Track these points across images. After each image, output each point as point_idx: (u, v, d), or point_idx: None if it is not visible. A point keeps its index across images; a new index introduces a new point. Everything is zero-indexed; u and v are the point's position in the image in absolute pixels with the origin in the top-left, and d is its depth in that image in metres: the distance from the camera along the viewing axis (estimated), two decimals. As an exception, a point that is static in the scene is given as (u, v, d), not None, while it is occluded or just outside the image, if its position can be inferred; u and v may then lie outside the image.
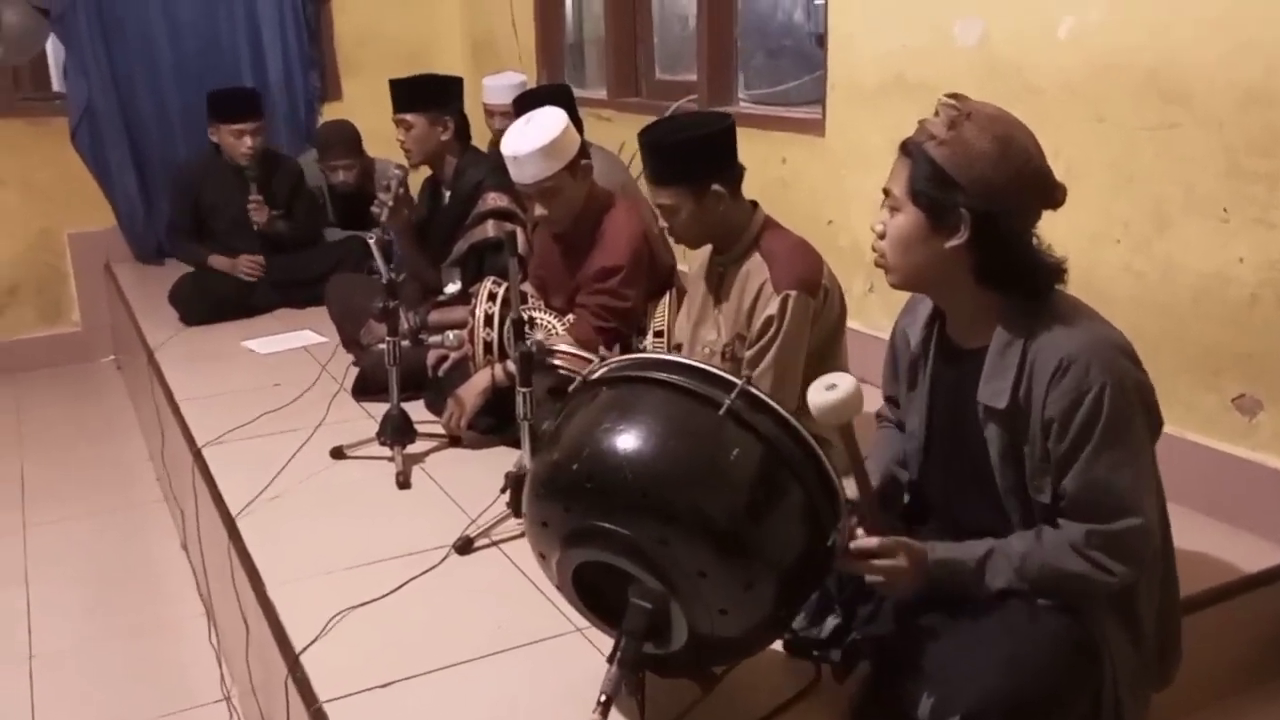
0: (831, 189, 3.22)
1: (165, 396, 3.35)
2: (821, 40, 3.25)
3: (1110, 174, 2.31)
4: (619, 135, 4.15)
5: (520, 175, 2.59)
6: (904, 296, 2.97)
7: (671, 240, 2.37)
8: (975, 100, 1.50)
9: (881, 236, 1.55)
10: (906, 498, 1.80)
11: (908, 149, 1.52)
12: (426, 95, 3.32)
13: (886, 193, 1.54)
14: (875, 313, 3.12)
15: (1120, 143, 2.31)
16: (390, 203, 2.88)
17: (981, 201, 1.45)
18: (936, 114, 1.50)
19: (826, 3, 3.13)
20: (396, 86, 3.33)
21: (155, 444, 3.80)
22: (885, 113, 2.97)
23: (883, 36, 2.94)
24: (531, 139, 2.54)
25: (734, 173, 2.18)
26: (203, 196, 4.30)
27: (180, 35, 4.94)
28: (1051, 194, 1.49)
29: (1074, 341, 1.46)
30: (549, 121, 2.58)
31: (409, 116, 3.29)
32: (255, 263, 4.17)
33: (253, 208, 4.14)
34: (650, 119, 4.01)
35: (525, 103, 3.28)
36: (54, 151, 4.86)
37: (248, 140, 4.14)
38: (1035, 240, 1.51)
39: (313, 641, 1.89)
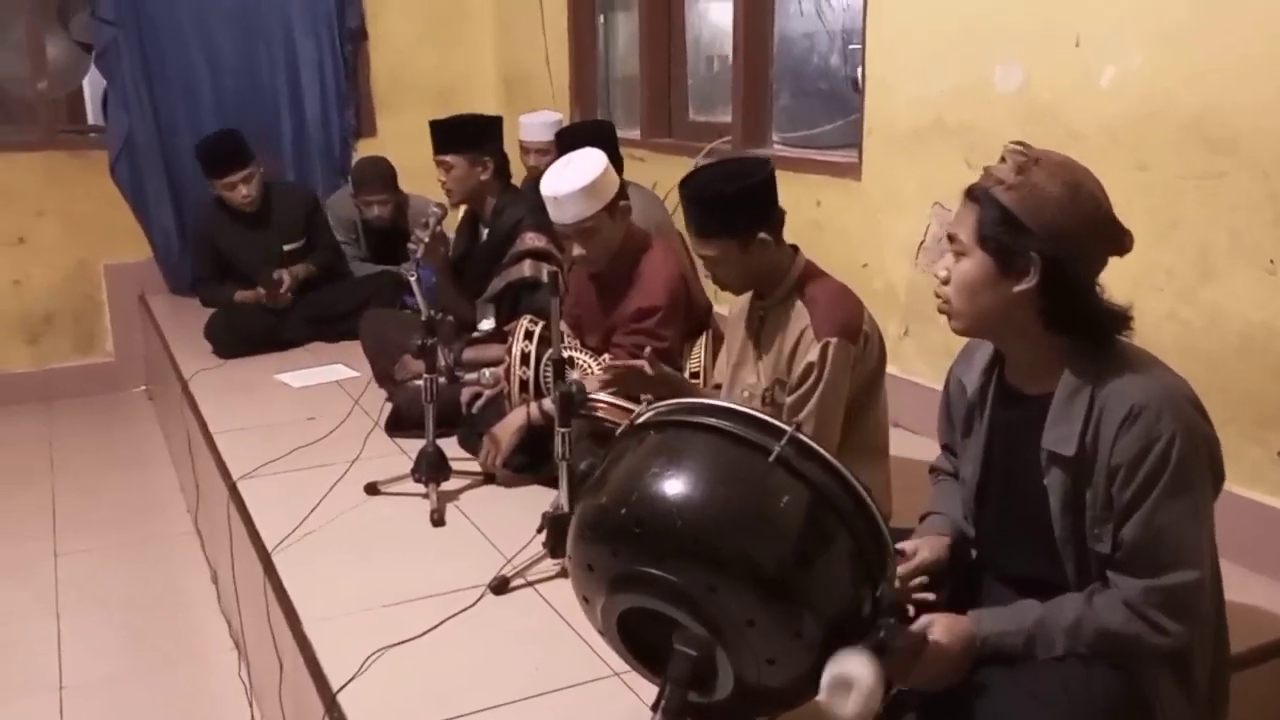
0: (867, 232, 3.23)
1: (200, 428, 3.36)
2: (857, 84, 3.28)
3: (1153, 221, 2.30)
4: (652, 175, 4.18)
5: (559, 216, 2.61)
6: (940, 341, 3.01)
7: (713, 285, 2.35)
8: (1040, 147, 1.51)
9: (946, 282, 1.55)
10: (975, 553, 1.78)
11: (974, 194, 1.52)
12: (466, 136, 3.33)
13: (951, 238, 1.54)
14: (910, 357, 3.11)
15: (1163, 190, 2.31)
16: (426, 240, 2.90)
17: (1052, 246, 1.45)
18: (1003, 160, 1.50)
19: (864, 47, 3.15)
20: (437, 128, 3.35)
21: (186, 475, 3.82)
22: (922, 157, 2.98)
23: (921, 81, 2.95)
24: (571, 180, 2.56)
25: (776, 219, 2.18)
26: (219, 244, 4.34)
27: (220, 74, 5.03)
28: (1120, 240, 1.49)
29: (1145, 390, 1.45)
30: (589, 163, 2.59)
31: (449, 158, 3.30)
32: (276, 285, 4.19)
33: (275, 288, 4.18)
34: (683, 160, 4.08)
35: (567, 139, 3.31)
36: (93, 183, 4.95)
37: (242, 190, 4.16)
38: (1100, 288, 1.51)
39: (350, 680, 1.88)
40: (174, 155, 4.96)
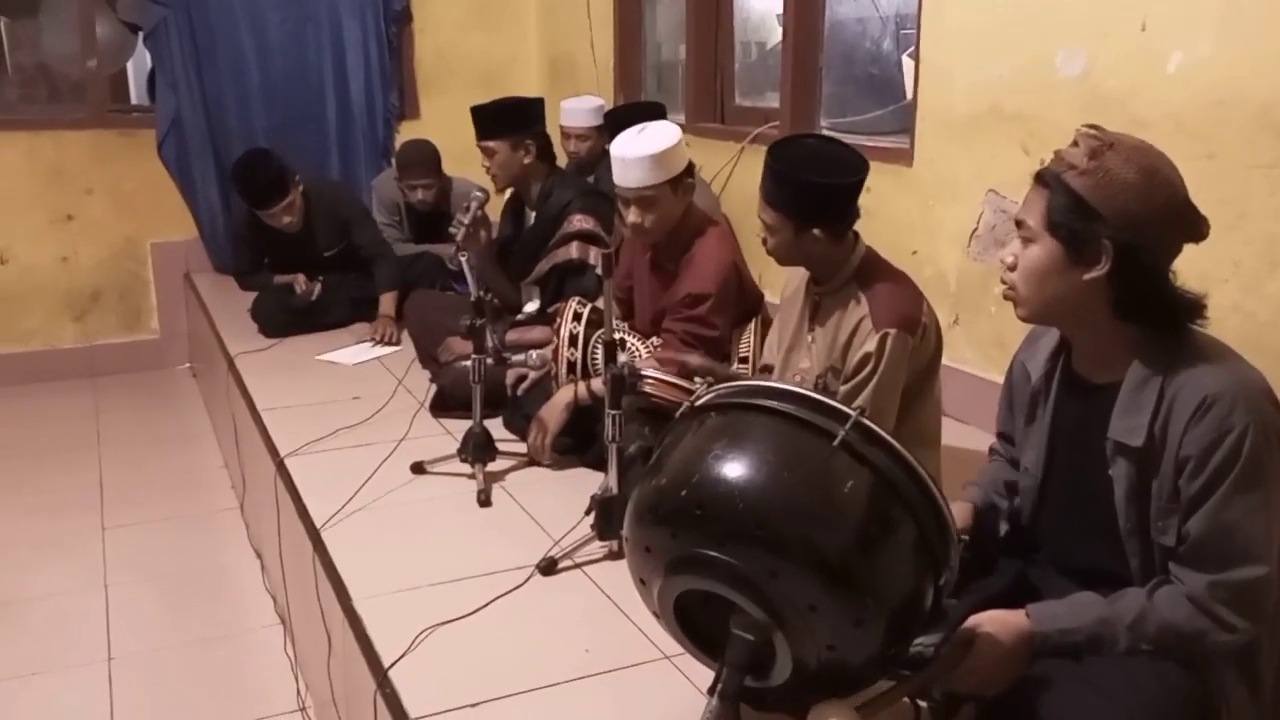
0: (918, 219, 3.19)
1: (246, 406, 3.39)
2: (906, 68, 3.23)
3: (1220, 212, 2.23)
4: (698, 160, 4.14)
5: (623, 178, 2.60)
6: (990, 330, 2.97)
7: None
8: (1114, 131, 1.47)
9: (1012, 268, 1.52)
10: (1006, 527, 1.76)
11: (1044, 179, 1.49)
12: (508, 121, 3.32)
13: (1019, 223, 1.51)
14: (961, 346, 3.07)
15: (1231, 180, 2.26)
16: (467, 224, 2.88)
17: (1125, 233, 1.42)
18: (1075, 144, 1.46)
19: (919, 31, 3.11)
20: (478, 114, 3.34)
21: (230, 452, 3.85)
22: (978, 143, 2.94)
23: (977, 66, 2.90)
24: (642, 145, 2.56)
25: (847, 220, 2.16)
26: (260, 246, 4.37)
27: (268, 55, 5.05)
28: (1197, 227, 1.46)
29: (1218, 380, 1.42)
30: (662, 133, 2.59)
31: (492, 143, 3.30)
32: (304, 280, 4.21)
33: (300, 291, 4.18)
34: (730, 145, 4.06)
35: (616, 119, 3.30)
36: (140, 162, 5.00)
37: (284, 218, 4.14)
38: (1172, 276, 1.47)
39: (401, 657, 1.88)
40: (221, 135, 4.99)
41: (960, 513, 1.72)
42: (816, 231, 2.11)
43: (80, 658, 2.81)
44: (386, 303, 4.16)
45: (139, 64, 5.60)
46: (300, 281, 4.19)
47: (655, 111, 3.26)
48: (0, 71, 5.43)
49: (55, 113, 5.19)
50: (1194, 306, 1.48)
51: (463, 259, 2.69)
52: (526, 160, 3.32)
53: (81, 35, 4.95)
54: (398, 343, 3.95)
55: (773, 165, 2.13)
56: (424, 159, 4.36)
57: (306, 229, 4.25)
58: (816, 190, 2.10)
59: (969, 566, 1.62)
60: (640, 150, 2.55)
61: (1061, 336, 1.61)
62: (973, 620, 1.53)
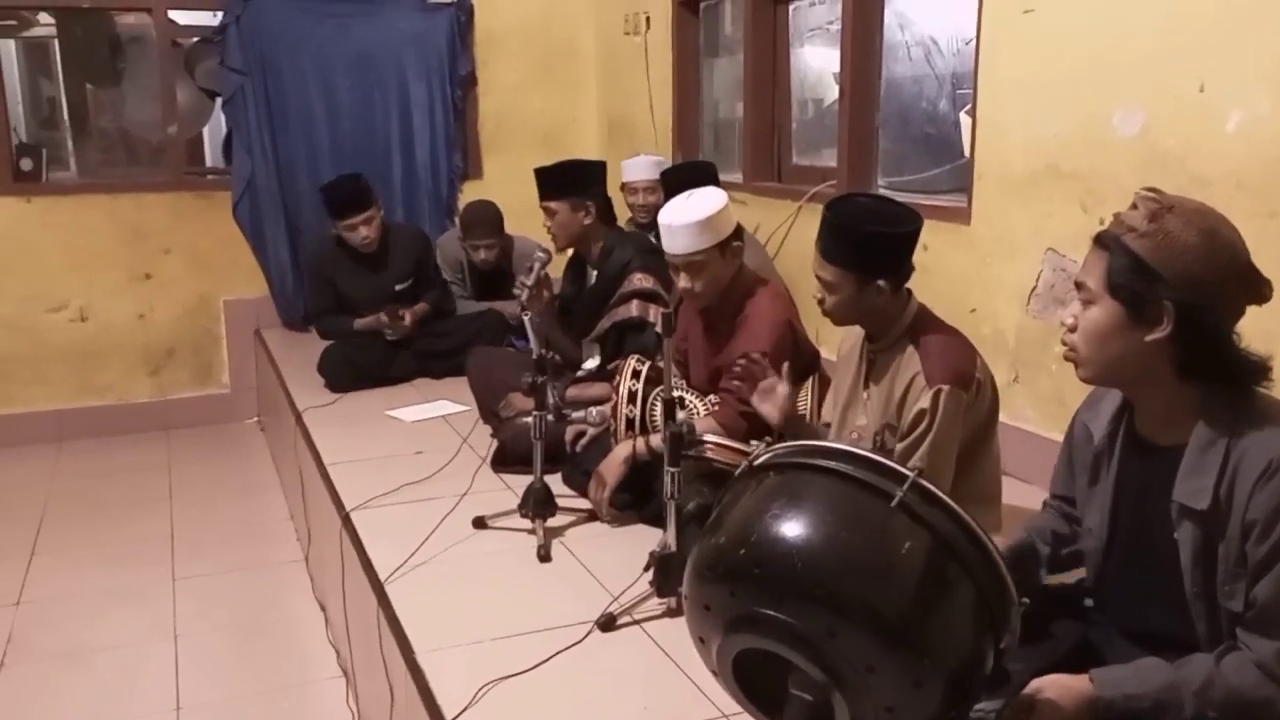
0: (975, 277, 3.19)
1: (313, 459, 3.47)
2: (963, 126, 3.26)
3: (1284, 270, 2.23)
4: (755, 219, 4.21)
5: (671, 245, 2.66)
6: (1050, 388, 2.95)
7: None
8: (1173, 194, 1.48)
9: (1073, 330, 1.53)
10: (1048, 572, 1.75)
11: (1104, 241, 1.50)
12: (569, 182, 3.40)
13: (1079, 285, 1.52)
14: (1020, 403, 3.05)
15: (1294, 238, 2.24)
16: (530, 285, 2.94)
17: (1188, 295, 1.43)
18: (1134, 206, 1.48)
19: (975, 90, 3.13)
20: (541, 175, 3.43)
21: (296, 504, 3.94)
22: (1035, 201, 2.94)
23: (1035, 125, 2.92)
24: (688, 212, 2.61)
25: (904, 272, 2.18)
26: (334, 280, 4.46)
27: (337, 118, 5.24)
28: (1259, 289, 1.46)
29: None
30: (708, 199, 2.65)
31: (553, 204, 3.38)
32: (400, 315, 4.29)
33: (395, 326, 4.29)
34: (787, 204, 4.10)
35: (671, 178, 3.37)
36: (215, 222, 5.19)
37: (363, 231, 4.28)
38: (1236, 337, 1.47)
39: (463, 711, 1.91)
40: (292, 196, 5.17)
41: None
42: (881, 283, 2.14)
43: (149, 707, 2.88)
44: (420, 307, 4.35)
45: (213, 128, 5.84)
46: (385, 318, 4.29)
47: (708, 171, 3.32)
48: (84, 136, 5.69)
49: (136, 175, 5.42)
50: (1259, 368, 1.47)
51: (525, 317, 2.74)
52: (586, 221, 3.39)
53: (163, 102, 5.17)
54: (407, 327, 4.28)
55: (832, 220, 2.17)
56: (486, 220, 4.47)
57: (381, 257, 4.38)
58: (879, 240, 2.14)
59: (1070, 657, 1.63)
60: (687, 217, 2.61)
61: (1124, 397, 1.61)
62: (1034, 685, 1.51)
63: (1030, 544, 1.76)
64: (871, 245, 2.14)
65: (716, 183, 3.24)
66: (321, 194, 4.41)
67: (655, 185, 4.22)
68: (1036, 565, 1.75)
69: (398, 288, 4.41)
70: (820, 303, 2.25)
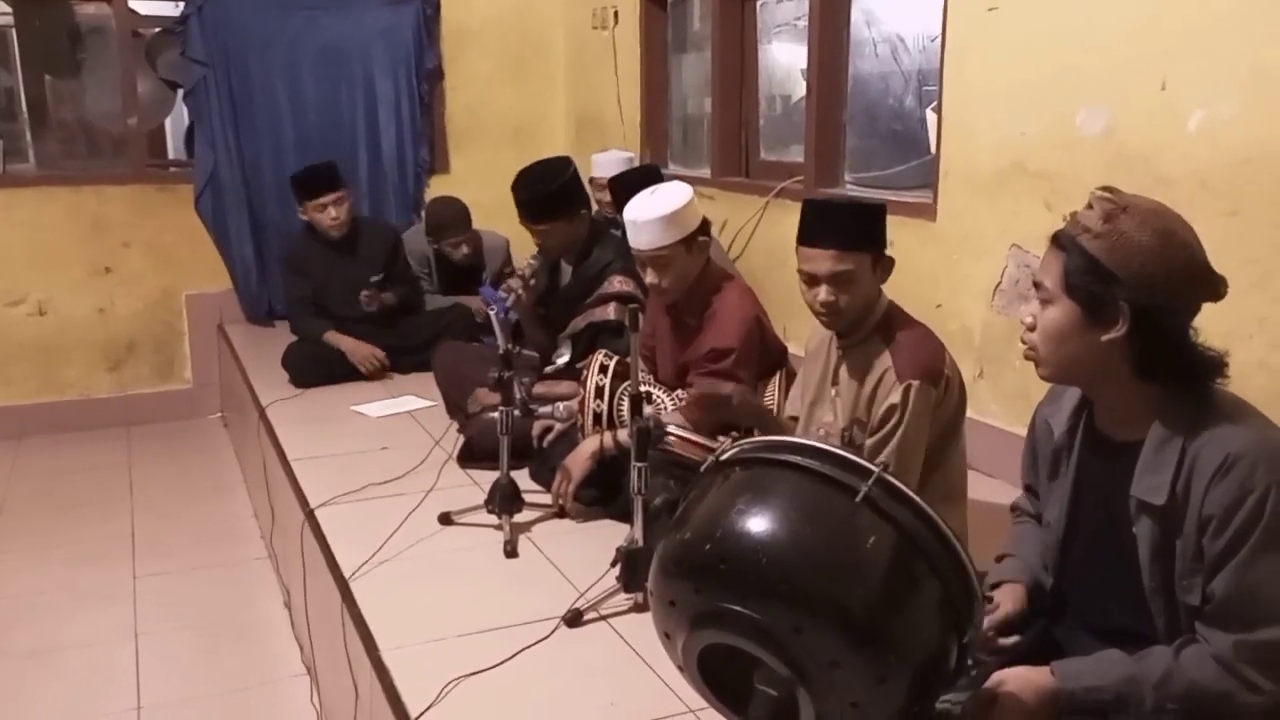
0: (941, 273, 3.21)
1: (277, 455, 3.43)
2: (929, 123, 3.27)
3: (1245, 269, 2.26)
4: (722, 214, 4.22)
5: (636, 240, 2.65)
6: (1015, 384, 2.98)
7: (823, 319, 2.24)
8: (1129, 194, 1.49)
9: (1032, 329, 1.54)
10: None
11: (1060, 242, 1.51)
12: (561, 203, 3.29)
13: (1037, 285, 1.53)
14: (985, 399, 3.08)
15: (1256, 238, 2.27)
16: (521, 292, 2.90)
17: (1143, 295, 1.44)
18: (1090, 206, 1.49)
19: (941, 89, 3.15)
20: (530, 205, 3.28)
21: (261, 501, 3.90)
22: (1001, 199, 2.97)
23: (1000, 123, 2.94)
24: (653, 207, 2.61)
25: None
26: (310, 272, 4.41)
27: (302, 112, 5.19)
28: (1214, 287, 1.47)
29: (1240, 439, 1.43)
30: (674, 193, 2.64)
31: (545, 225, 3.27)
32: (377, 358, 4.25)
33: (366, 300, 4.26)
34: (755, 199, 4.11)
35: (617, 185, 3.35)
36: (177, 216, 5.12)
37: (332, 211, 4.25)
38: (1193, 333, 1.49)
39: (428, 708, 1.89)
40: (256, 190, 5.12)
41: (1013, 597, 1.71)
42: (889, 255, 2.18)
43: (111, 707, 2.84)
44: (388, 296, 4.35)
45: (175, 120, 5.76)
46: (366, 295, 4.25)
47: (654, 174, 3.31)
48: (43, 127, 5.60)
49: (97, 168, 5.34)
50: (1215, 365, 1.49)
51: (491, 312, 2.73)
52: (581, 229, 3.34)
53: (123, 93, 5.10)
54: (384, 300, 4.29)
55: (837, 206, 2.19)
56: (458, 218, 4.44)
57: (351, 247, 4.34)
58: (881, 212, 2.19)
59: (1031, 648, 1.64)
60: (652, 212, 2.60)
61: (1083, 394, 1.63)
62: (996, 678, 1.52)
63: (1035, 578, 1.74)
64: (878, 215, 2.19)
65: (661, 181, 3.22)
66: (292, 182, 4.36)
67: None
68: (1045, 597, 1.74)
69: (372, 279, 4.37)
70: (830, 305, 2.14)
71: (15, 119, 5.81)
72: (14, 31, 5.45)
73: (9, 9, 5.26)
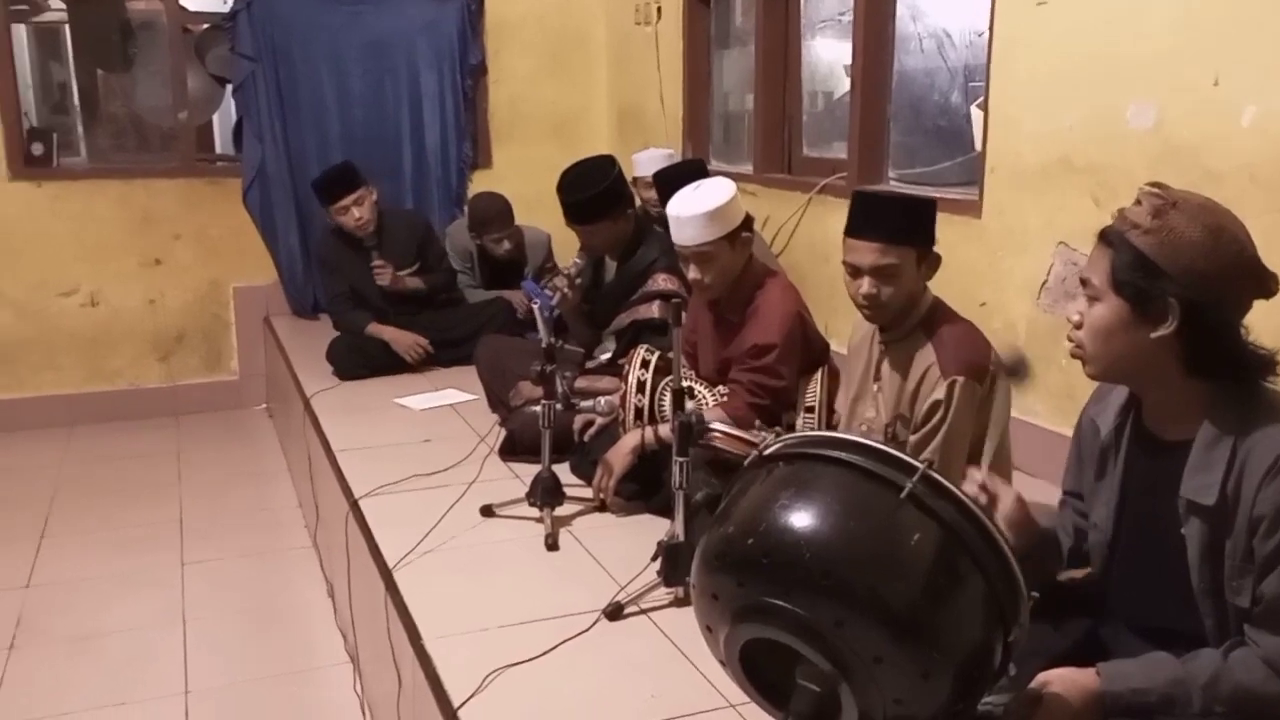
0: (986, 270, 3.18)
1: (322, 446, 3.48)
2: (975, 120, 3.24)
3: (1296, 266, 2.22)
4: (764, 210, 4.21)
5: (679, 236, 2.66)
6: (1060, 382, 2.94)
7: (865, 312, 2.24)
8: (1178, 189, 1.48)
9: (1079, 326, 1.53)
10: (1066, 566, 1.76)
11: (1108, 238, 1.50)
12: (608, 204, 3.29)
13: (1084, 282, 1.52)
14: (1030, 398, 3.05)
15: (1308, 234, 2.23)
16: (567, 291, 2.90)
17: (1193, 291, 1.42)
18: (1138, 203, 1.47)
19: (988, 83, 3.12)
20: (576, 207, 3.28)
21: (305, 491, 3.95)
22: (1048, 195, 2.94)
23: (1048, 118, 2.91)
24: (696, 203, 2.61)
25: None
26: (342, 270, 4.44)
27: (349, 107, 5.25)
28: (1265, 284, 1.46)
29: None
30: (717, 189, 2.64)
31: (593, 226, 3.28)
32: (421, 346, 4.28)
33: (376, 273, 4.29)
34: (798, 195, 4.10)
35: (662, 180, 3.35)
36: (226, 209, 5.19)
37: (355, 212, 4.27)
38: (1244, 331, 1.47)
39: (470, 697, 1.91)
40: (302, 183, 5.16)
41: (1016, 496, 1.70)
42: (936, 251, 2.17)
43: (158, 691, 2.89)
44: (414, 280, 4.39)
45: (223, 114, 5.84)
46: (376, 269, 4.28)
47: (699, 168, 3.31)
48: (95, 122, 5.71)
49: (147, 161, 5.42)
50: (1266, 363, 1.47)
51: (534, 306, 2.75)
52: (628, 227, 3.34)
53: (173, 88, 5.18)
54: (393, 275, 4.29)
55: (886, 198, 2.21)
56: (500, 213, 4.47)
57: (379, 243, 4.35)
58: (930, 208, 2.18)
59: (1077, 649, 1.63)
60: (695, 208, 2.60)
61: (1131, 392, 1.61)
62: (1041, 678, 1.51)
63: (1052, 534, 1.76)
64: (928, 211, 2.18)
65: (706, 175, 3.22)
66: (312, 187, 4.41)
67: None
68: (1056, 555, 1.75)
69: (402, 273, 4.40)
70: (873, 298, 2.15)
71: (68, 113, 5.94)
72: (67, 27, 5.56)
73: (63, 5, 5.36)
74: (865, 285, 2.13)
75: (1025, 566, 1.56)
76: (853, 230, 2.16)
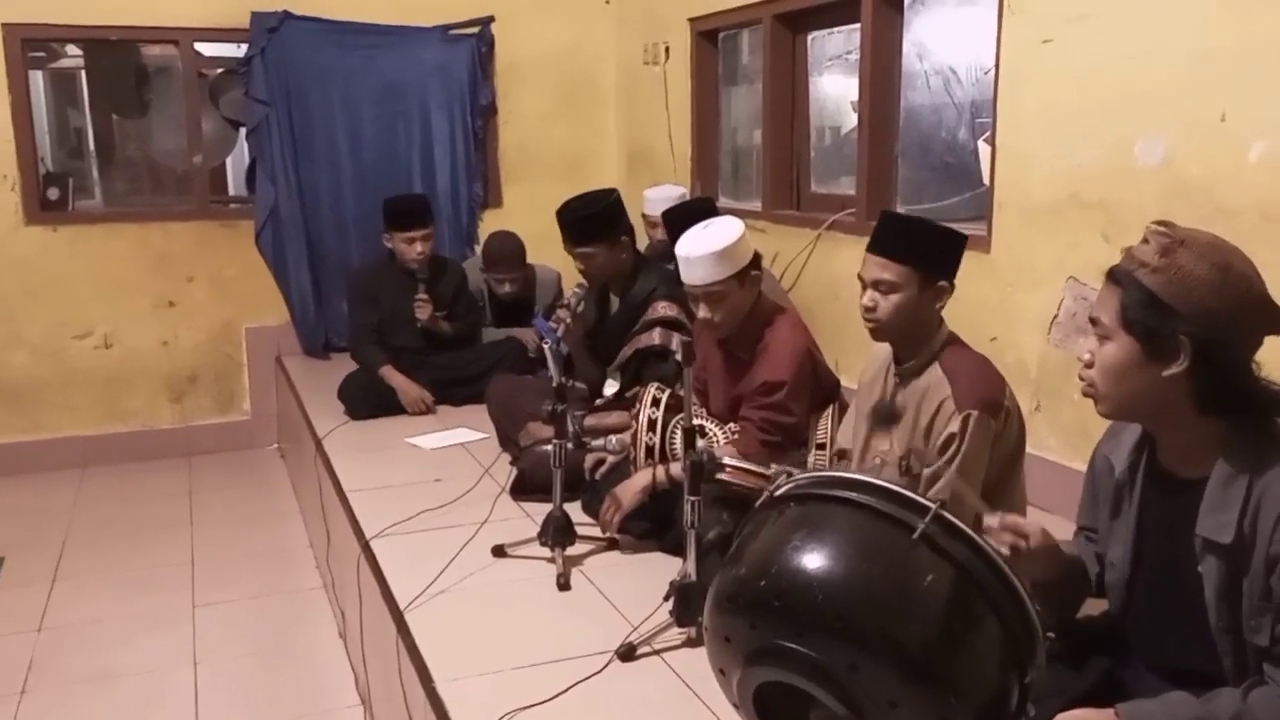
0: (997, 305, 3.18)
1: (333, 486, 3.48)
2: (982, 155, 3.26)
3: (1309, 300, 2.22)
4: (773, 247, 4.22)
5: (689, 276, 2.67)
6: (1073, 417, 2.93)
7: (867, 326, 2.27)
8: (1185, 227, 1.48)
9: (1090, 365, 1.53)
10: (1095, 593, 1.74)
11: (1116, 277, 1.50)
12: (603, 226, 3.35)
13: (1094, 321, 1.52)
14: (1042, 433, 3.03)
15: (1319, 268, 2.22)
16: (569, 321, 2.92)
17: (1203, 329, 1.42)
18: (1145, 241, 1.47)
19: (995, 120, 3.14)
20: (572, 226, 3.35)
21: (317, 531, 3.95)
22: (1057, 231, 2.94)
23: (1056, 154, 2.92)
24: (705, 243, 2.62)
25: (954, 281, 2.21)
26: (380, 299, 4.45)
27: (361, 149, 5.30)
28: (1275, 320, 1.45)
29: None
30: (725, 229, 2.66)
31: (588, 249, 3.33)
32: (425, 402, 4.28)
33: (418, 305, 4.32)
34: (806, 231, 4.11)
35: (670, 218, 3.38)
36: (239, 250, 5.24)
37: (418, 246, 4.32)
38: (1256, 368, 1.46)
39: (482, 742, 1.90)
40: (314, 225, 5.23)
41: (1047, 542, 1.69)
42: (942, 283, 2.17)
43: (170, 733, 2.88)
44: (447, 325, 4.42)
45: (236, 157, 5.91)
46: (418, 303, 4.30)
47: (707, 206, 3.33)
48: (110, 165, 5.78)
49: (161, 204, 5.48)
50: (1279, 399, 1.46)
51: (545, 345, 2.75)
52: (625, 256, 3.37)
53: (188, 132, 5.24)
54: (433, 314, 4.33)
55: (902, 219, 2.23)
56: (510, 254, 4.49)
57: (430, 281, 4.37)
58: (950, 238, 2.20)
59: (1096, 689, 1.61)
60: (704, 248, 2.61)
61: (1144, 430, 1.60)
62: (1060, 718, 1.50)
63: (1079, 561, 1.75)
64: (942, 242, 2.19)
65: (713, 214, 3.24)
66: (385, 205, 4.43)
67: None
68: (1085, 580, 1.74)
69: (439, 314, 4.42)
70: (870, 311, 2.20)
71: (83, 157, 6.01)
72: (83, 73, 5.65)
73: (79, 52, 5.44)
74: (865, 297, 2.21)
75: (1056, 594, 1.55)
76: (869, 245, 2.24)
